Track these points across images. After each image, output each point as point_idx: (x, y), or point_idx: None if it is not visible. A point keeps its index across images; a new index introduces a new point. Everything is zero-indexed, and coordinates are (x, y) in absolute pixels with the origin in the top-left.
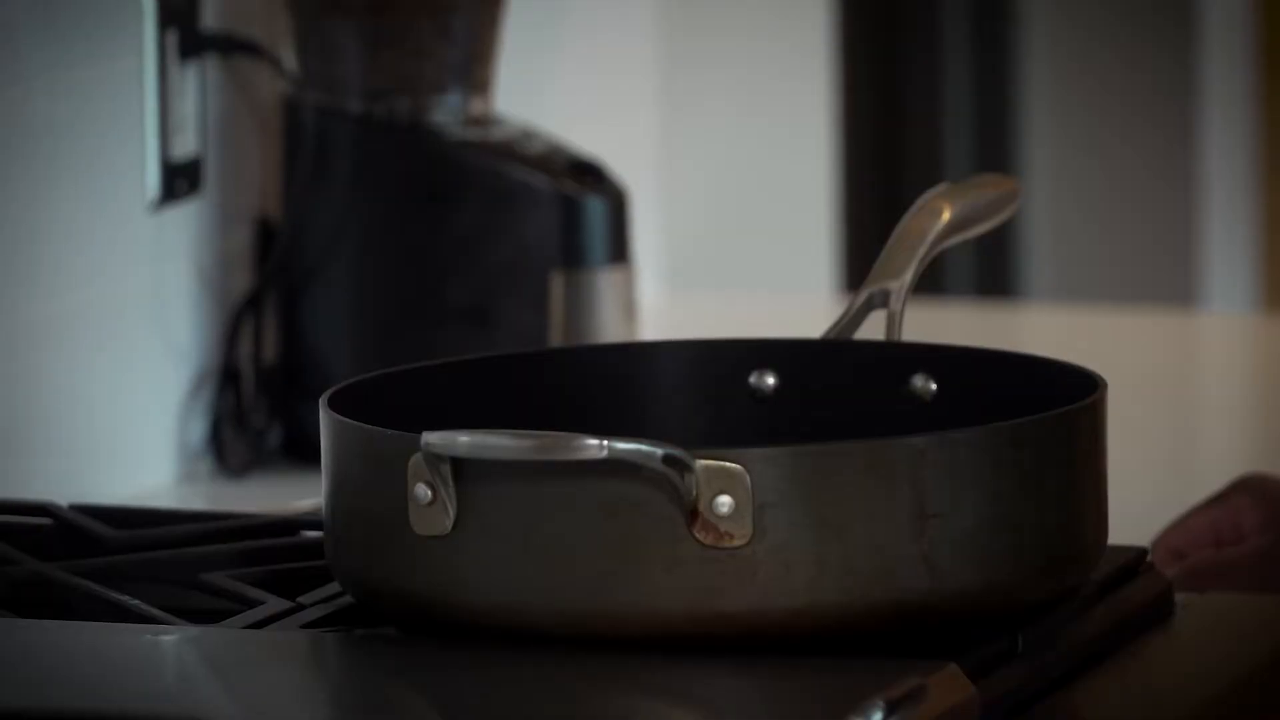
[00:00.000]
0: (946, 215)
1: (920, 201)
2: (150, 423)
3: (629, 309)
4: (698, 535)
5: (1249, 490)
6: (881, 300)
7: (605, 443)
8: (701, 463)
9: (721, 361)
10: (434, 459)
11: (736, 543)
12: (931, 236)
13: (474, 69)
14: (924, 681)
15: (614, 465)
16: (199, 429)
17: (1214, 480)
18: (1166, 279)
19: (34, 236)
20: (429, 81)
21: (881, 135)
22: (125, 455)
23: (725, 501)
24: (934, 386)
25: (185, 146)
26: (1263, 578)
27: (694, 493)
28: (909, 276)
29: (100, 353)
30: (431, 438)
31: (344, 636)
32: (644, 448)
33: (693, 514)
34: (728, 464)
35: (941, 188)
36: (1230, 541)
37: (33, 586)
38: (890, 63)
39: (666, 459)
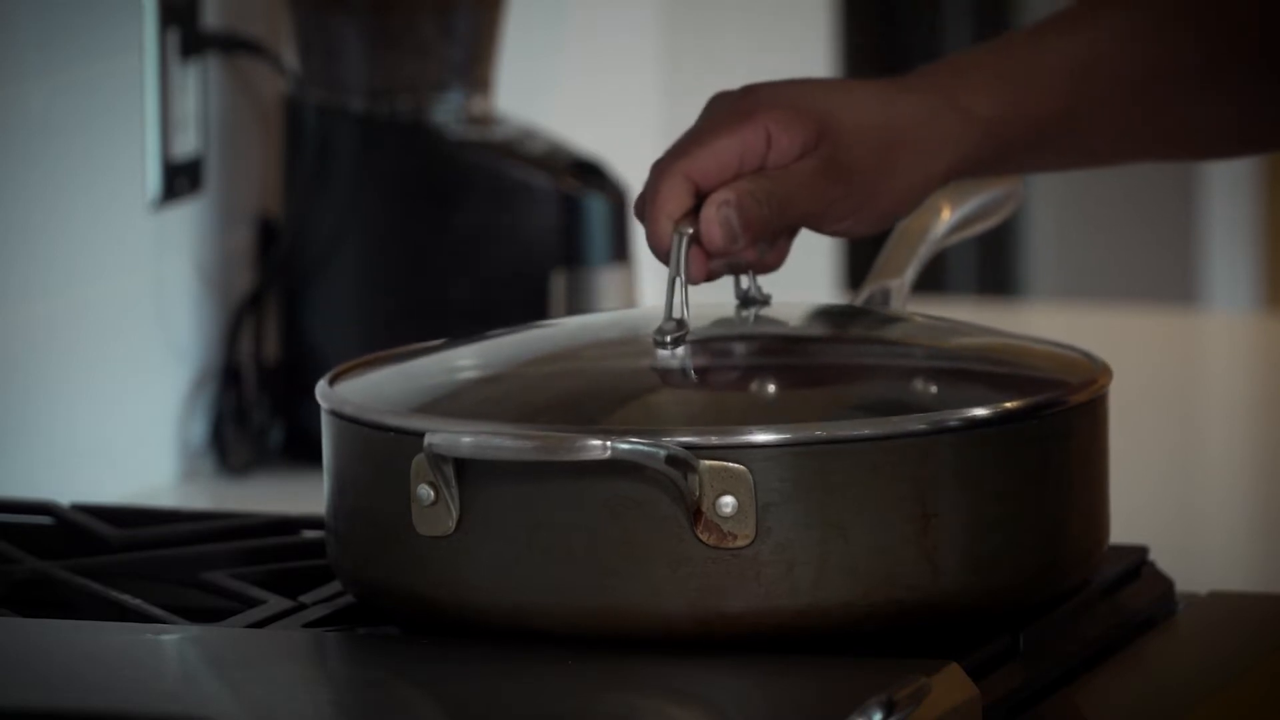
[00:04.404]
0: (947, 213)
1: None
2: (151, 422)
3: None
4: (701, 535)
5: (778, 106)
6: (882, 299)
7: (608, 443)
8: (705, 463)
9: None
10: (437, 459)
11: (739, 543)
12: (932, 235)
13: (475, 68)
14: (926, 681)
15: (617, 465)
16: (200, 428)
17: (1215, 479)
18: (1168, 277)
19: (34, 236)
20: (430, 80)
21: None
22: (126, 454)
23: (728, 502)
24: (934, 386)
25: (186, 145)
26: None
27: (697, 493)
28: (909, 275)
29: (101, 352)
30: (435, 437)
31: (346, 636)
32: (647, 448)
33: (696, 514)
34: (731, 464)
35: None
36: (751, 167)
37: (34, 585)
38: (892, 61)
39: (670, 459)
